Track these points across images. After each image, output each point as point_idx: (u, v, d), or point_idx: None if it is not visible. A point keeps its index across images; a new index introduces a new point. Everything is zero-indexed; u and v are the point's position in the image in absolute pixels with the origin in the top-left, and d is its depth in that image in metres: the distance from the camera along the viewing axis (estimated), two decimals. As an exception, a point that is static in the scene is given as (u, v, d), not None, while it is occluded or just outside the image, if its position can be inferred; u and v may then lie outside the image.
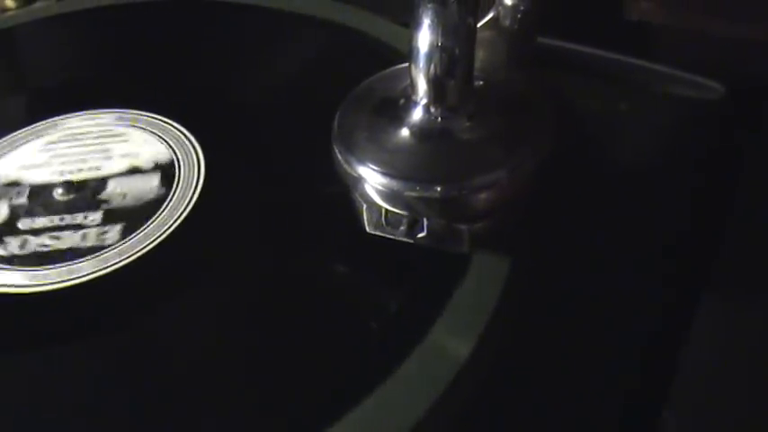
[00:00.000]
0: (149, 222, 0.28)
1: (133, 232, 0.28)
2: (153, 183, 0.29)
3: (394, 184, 0.24)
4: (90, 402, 0.23)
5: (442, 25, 0.24)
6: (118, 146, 0.31)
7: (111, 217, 0.28)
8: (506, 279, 0.24)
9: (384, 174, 0.24)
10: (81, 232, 0.28)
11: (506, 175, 0.24)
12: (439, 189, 0.24)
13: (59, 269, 0.27)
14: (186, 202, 0.29)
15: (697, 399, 0.24)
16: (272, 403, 0.23)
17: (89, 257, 0.27)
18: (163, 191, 0.29)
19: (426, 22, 0.24)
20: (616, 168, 0.32)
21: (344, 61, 0.35)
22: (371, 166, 0.24)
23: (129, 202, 0.29)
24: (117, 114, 0.33)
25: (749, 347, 0.26)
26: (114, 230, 0.28)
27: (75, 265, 0.27)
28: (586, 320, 0.26)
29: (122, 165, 0.30)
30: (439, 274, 0.25)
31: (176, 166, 0.30)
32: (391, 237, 0.25)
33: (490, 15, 0.30)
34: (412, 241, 0.25)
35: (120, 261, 0.27)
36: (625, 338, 0.26)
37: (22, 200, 0.30)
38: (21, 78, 0.41)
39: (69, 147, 0.32)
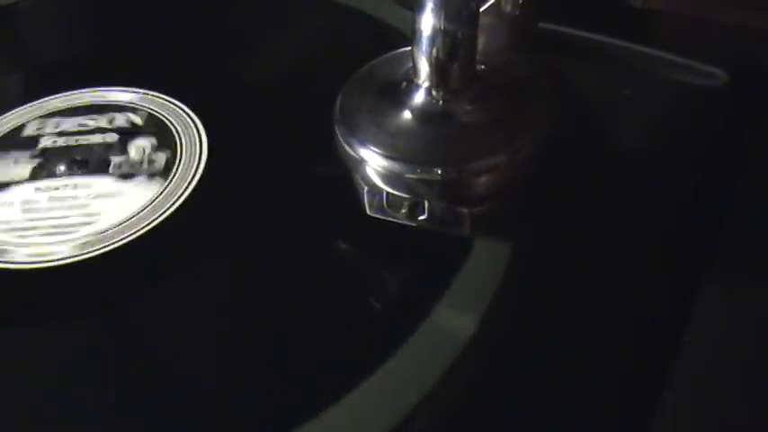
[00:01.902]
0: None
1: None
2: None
3: (395, 166, 0.24)
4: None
5: (444, 9, 0.24)
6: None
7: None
8: (507, 262, 0.25)
9: (386, 156, 0.24)
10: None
11: (507, 158, 0.24)
12: (440, 171, 0.24)
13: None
14: (185, 184, 0.29)
15: (696, 385, 0.24)
16: (271, 382, 0.23)
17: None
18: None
19: (429, 6, 0.24)
20: (617, 154, 0.32)
21: (347, 43, 0.35)
22: (373, 148, 0.25)
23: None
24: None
25: (748, 336, 0.26)
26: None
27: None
28: (586, 305, 0.26)
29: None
30: (439, 257, 0.25)
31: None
32: (392, 219, 0.25)
33: (492, 1, 0.30)
34: (413, 224, 0.25)
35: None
36: (625, 323, 0.26)
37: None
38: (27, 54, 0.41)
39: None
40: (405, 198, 0.25)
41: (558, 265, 0.27)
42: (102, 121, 0.32)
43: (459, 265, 0.25)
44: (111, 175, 0.30)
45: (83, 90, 0.34)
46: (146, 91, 0.33)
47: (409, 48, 0.26)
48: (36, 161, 0.31)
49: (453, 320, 0.24)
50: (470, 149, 0.24)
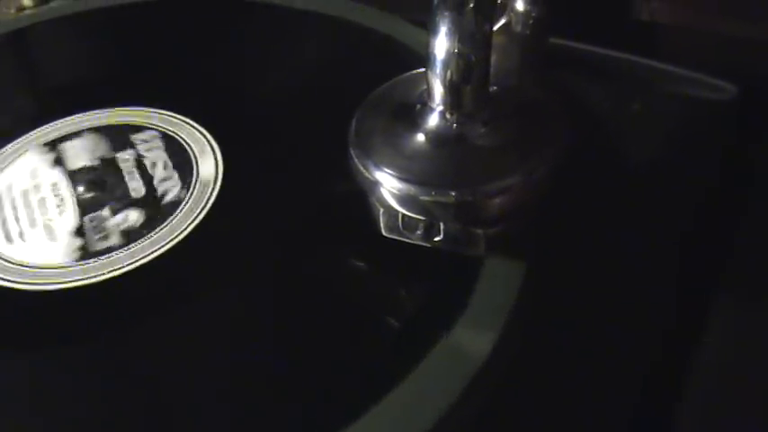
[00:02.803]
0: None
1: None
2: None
3: (410, 188, 0.24)
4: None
5: (458, 32, 0.24)
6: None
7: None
8: (522, 280, 0.25)
9: (400, 178, 0.25)
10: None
11: (521, 180, 0.25)
12: (454, 194, 0.24)
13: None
14: (203, 203, 0.29)
15: (710, 395, 0.25)
16: (287, 403, 0.23)
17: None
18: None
19: (443, 30, 0.24)
20: (628, 169, 0.32)
21: (361, 62, 0.35)
22: (388, 170, 0.25)
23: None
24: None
25: (763, 345, 0.26)
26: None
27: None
28: (601, 320, 0.26)
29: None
30: (455, 277, 0.26)
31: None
32: (408, 240, 0.26)
33: (502, 21, 0.30)
34: (428, 245, 0.25)
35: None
36: (639, 337, 0.26)
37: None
38: (39, 77, 0.42)
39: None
40: (420, 219, 0.25)
41: (573, 281, 0.27)
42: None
43: (475, 284, 0.25)
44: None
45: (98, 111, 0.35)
46: (160, 111, 0.34)
47: (423, 69, 0.27)
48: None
49: (470, 340, 0.24)
50: (484, 171, 0.25)
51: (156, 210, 0.29)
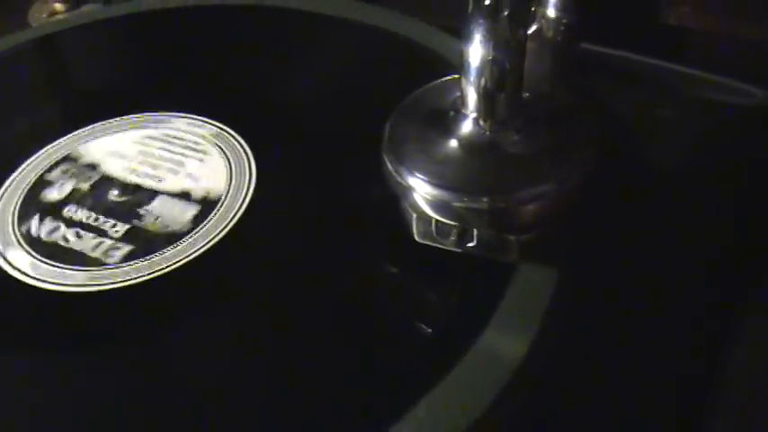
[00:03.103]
0: (161, 252, 0.29)
1: (137, 258, 0.28)
2: (188, 215, 0.30)
3: (443, 194, 0.25)
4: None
5: (493, 40, 0.24)
6: (191, 163, 0.32)
7: (130, 236, 0.29)
8: (554, 287, 0.25)
9: (434, 184, 0.25)
10: (98, 240, 0.29)
11: (554, 187, 0.25)
12: (487, 200, 0.24)
13: (57, 269, 0.28)
14: (237, 206, 0.30)
15: (744, 400, 0.25)
16: (328, 406, 0.24)
17: (86, 269, 0.28)
18: (190, 227, 0.29)
19: (478, 37, 0.24)
20: (656, 174, 0.32)
21: (393, 69, 0.36)
22: (421, 176, 0.25)
23: (157, 226, 0.30)
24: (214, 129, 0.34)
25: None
26: (122, 252, 0.29)
27: (68, 272, 0.28)
28: (632, 326, 0.26)
29: (179, 185, 0.31)
30: (487, 283, 0.26)
31: (221, 201, 0.31)
32: (440, 246, 0.26)
33: (533, 28, 0.30)
34: (461, 251, 0.26)
35: (110, 283, 0.28)
36: (672, 342, 0.26)
37: (86, 185, 0.32)
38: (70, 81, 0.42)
39: (158, 148, 0.33)
40: (453, 225, 0.25)
41: (603, 287, 0.27)
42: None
43: (507, 290, 0.25)
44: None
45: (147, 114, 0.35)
46: (191, 115, 0.34)
47: (454, 76, 0.27)
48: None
49: (501, 346, 0.24)
50: (518, 178, 0.25)
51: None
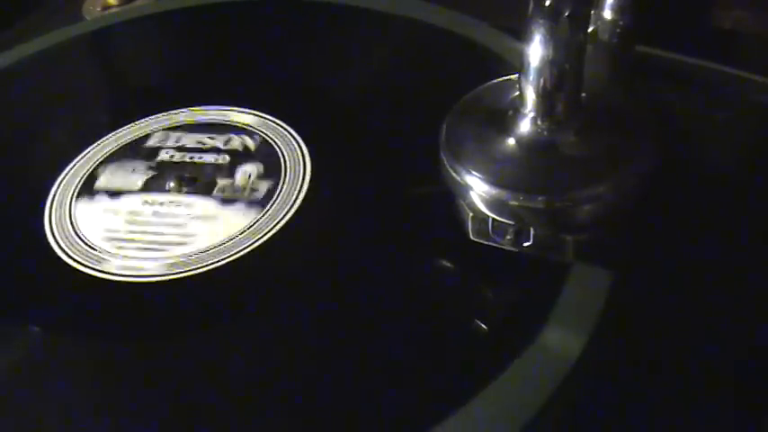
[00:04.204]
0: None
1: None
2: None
3: (500, 193, 0.25)
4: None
5: (553, 41, 0.24)
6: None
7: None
8: (610, 287, 0.25)
9: (491, 183, 0.25)
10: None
11: (610, 188, 0.25)
12: (543, 199, 0.25)
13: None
14: (282, 214, 0.30)
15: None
16: (386, 400, 0.24)
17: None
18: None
19: (538, 38, 0.24)
20: (713, 178, 0.32)
21: (449, 68, 0.36)
22: (478, 174, 0.25)
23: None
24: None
25: None
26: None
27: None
28: (689, 326, 0.26)
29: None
30: (542, 282, 0.26)
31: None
32: (496, 245, 0.26)
33: (589, 29, 0.30)
34: (517, 250, 0.26)
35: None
36: (730, 344, 0.26)
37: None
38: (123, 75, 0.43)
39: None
40: (509, 224, 0.25)
41: (658, 288, 0.27)
42: (219, 141, 0.34)
43: (563, 289, 0.25)
44: (215, 198, 0.31)
45: (208, 107, 0.36)
46: (263, 114, 0.35)
47: (512, 75, 0.27)
48: (151, 173, 0.32)
49: (557, 345, 0.24)
50: (575, 178, 0.25)
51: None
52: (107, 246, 0.29)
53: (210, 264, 0.28)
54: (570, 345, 0.24)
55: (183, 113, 0.36)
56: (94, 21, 0.47)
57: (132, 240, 0.30)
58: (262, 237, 0.29)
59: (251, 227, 0.30)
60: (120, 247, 0.29)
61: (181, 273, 0.28)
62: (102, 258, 0.29)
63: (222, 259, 0.28)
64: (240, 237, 0.29)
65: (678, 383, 0.25)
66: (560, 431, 0.24)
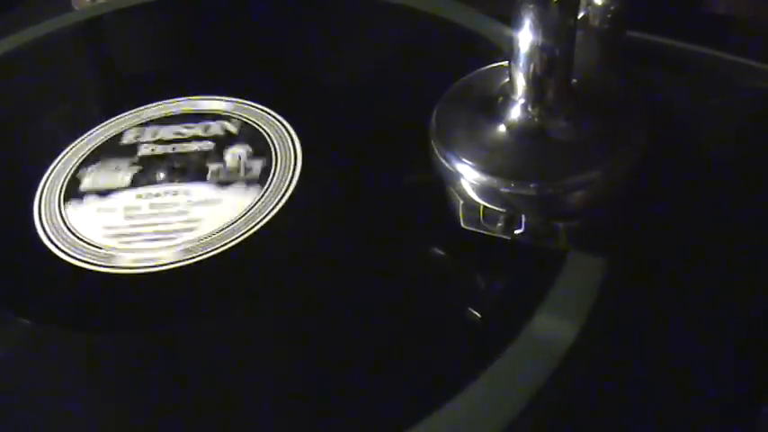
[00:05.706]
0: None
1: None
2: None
3: (491, 180, 0.25)
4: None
5: (543, 27, 0.24)
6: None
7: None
8: (603, 274, 0.25)
9: (482, 170, 0.25)
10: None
11: (602, 174, 0.25)
12: (535, 186, 0.24)
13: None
14: (282, 191, 0.30)
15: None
16: (377, 390, 0.24)
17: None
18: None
19: (527, 23, 0.24)
20: (706, 164, 0.32)
21: (440, 54, 0.36)
22: (469, 162, 0.25)
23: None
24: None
25: None
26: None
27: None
28: (683, 315, 0.26)
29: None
30: (535, 268, 0.26)
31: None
32: (487, 233, 0.26)
33: (580, 15, 0.30)
34: (508, 237, 0.26)
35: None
36: (722, 334, 0.26)
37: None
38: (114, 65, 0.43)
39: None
40: (500, 212, 0.25)
41: (651, 275, 0.27)
42: (197, 130, 0.33)
43: (556, 277, 0.25)
44: (209, 182, 0.31)
45: (178, 99, 0.35)
46: (239, 100, 0.34)
47: (502, 62, 0.27)
48: (136, 168, 0.32)
49: (551, 332, 0.24)
50: (566, 165, 0.25)
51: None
52: (112, 243, 0.29)
53: (227, 243, 0.28)
54: (563, 333, 0.24)
55: (154, 107, 0.35)
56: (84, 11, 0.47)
57: (137, 234, 0.29)
58: (271, 210, 0.29)
59: (257, 203, 0.29)
60: (126, 242, 0.29)
61: (200, 255, 0.28)
62: (111, 255, 0.29)
63: (239, 236, 0.28)
64: (249, 214, 0.29)
65: (672, 372, 0.25)
66: (552, 420, 0.24)
